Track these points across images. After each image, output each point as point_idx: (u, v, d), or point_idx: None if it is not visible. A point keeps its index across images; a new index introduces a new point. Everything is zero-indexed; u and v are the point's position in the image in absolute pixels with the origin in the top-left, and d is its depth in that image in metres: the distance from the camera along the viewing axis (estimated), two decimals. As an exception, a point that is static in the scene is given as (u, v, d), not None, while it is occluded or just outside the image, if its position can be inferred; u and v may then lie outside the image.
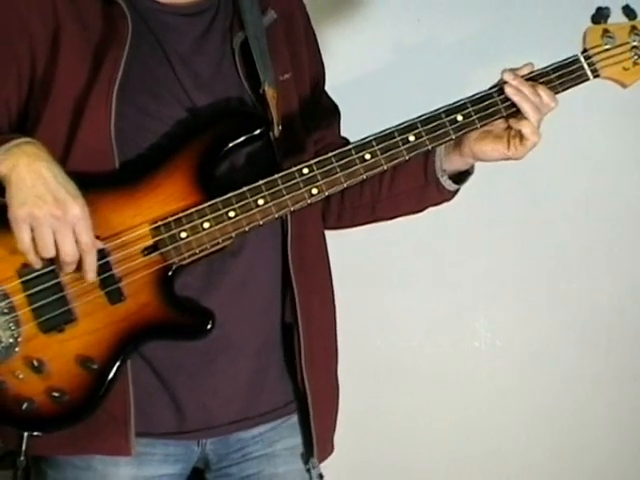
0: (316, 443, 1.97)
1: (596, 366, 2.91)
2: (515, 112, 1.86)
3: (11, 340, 1.74)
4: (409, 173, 1.96)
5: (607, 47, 1.89)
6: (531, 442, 2.93)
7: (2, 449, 2.35)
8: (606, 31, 1.90)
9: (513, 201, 2.83)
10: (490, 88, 1.88)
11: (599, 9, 1.91)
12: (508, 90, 1.85)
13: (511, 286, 2.88)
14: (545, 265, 2.87)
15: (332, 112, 2.09)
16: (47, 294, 1.75)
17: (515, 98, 1.84)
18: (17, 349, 1.74)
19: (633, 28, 1.91)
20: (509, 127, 1.88)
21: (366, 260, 2.83)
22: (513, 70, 1.87)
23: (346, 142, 2.01)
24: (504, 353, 2.92)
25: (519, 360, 2.91)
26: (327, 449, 2.03)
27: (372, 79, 2.73)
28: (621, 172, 2.83)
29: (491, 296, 2.89)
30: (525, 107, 1.84)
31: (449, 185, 1.96)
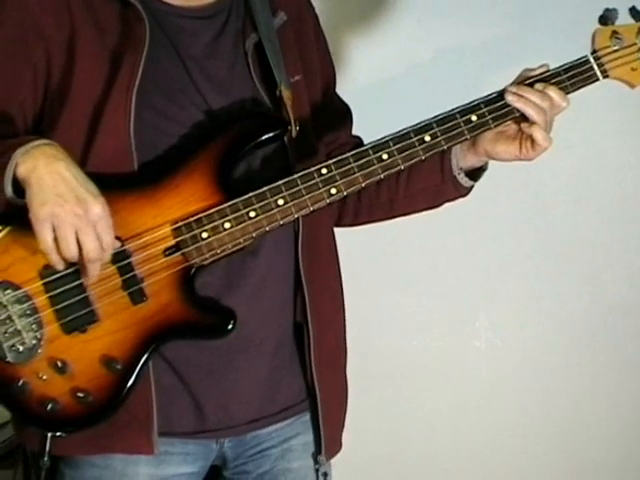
0: (324, 441, 1.99)
1: (596, 365, 2.92)
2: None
3: (34, 341, 1.75)
4: (426, 171, 1.98)
5: (615, 48, 1.92)
6: (532, 441, 2.95)
7: (3, 449, 2.35)
8: (614, 32, 1.92)
9: (513, 200, 2.85)
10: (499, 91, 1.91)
11: (607, 10, 1.93)
12: (509, 98, 1.87)
13: (511, 285, 2.90)
14: (545, 264, 2.89)
15: (344, 113, 2.11)
16: (69, 295, 1.76)
17: (517, 105, 1.87)
18: (40, 350, 1.75)
19: (640, 29, 1.95)
20: (521, 130, 1.90)
21: (366, 260, 2.84)
22: (528, 69, 1.91)
23: (359, 141, 2.04)
24: (504, 353, 2.94)
25: (520, 359, 2.93)
26: (335, 447, 2.05)
27: (373, 80, 2.75)
28: (621, 169, 2.85)
29: (491, 295, 2.90)
30: (529, 111, 1.86)
31: (465, 182, 1.99)
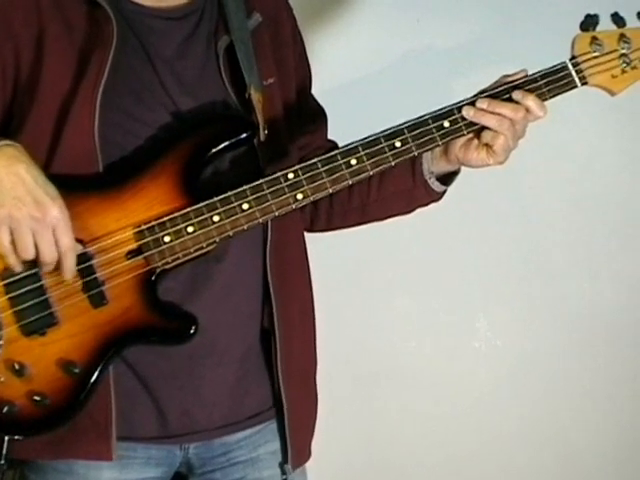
0: (290, 449, 1.97)
1: (596, 365, 2.91)
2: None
3: (-8, 343, 1.74)
4: (397, 176, 1.95)
5: (596, 54, 1.89)
6: (532, 442, 2.93)
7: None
8: (595, 38, 1.89)
9: (512, 201, 2.83)
10: (473, 96, 1.88)
11: (588, 16, 1.90)
12: (464, 113, 1.85)
13: (511, 286, 2.88)
14: (545, 265, 2.88)
15: (319, 116, 2.09)
16: (29, 297, 1.74)
17: (473, 119, 1.85)
18: (-2, 352, 1.74)
19: (622, 36, 1.90)
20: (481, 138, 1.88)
21: (366, 261, 2.82)
22: (506, 75, 1.88)
23: (334, 146, 2.02)
24: (504, 353, 2.92)
25: (519, 360, 2.91)
26: (303, 456, 2.03)
27: (369, 80, 2.73)
28: (617, 171, 2.84)
29: (491, 296, 2.89)
30: (489, 123, 1.84)
31: (437, 187, 1.96)
